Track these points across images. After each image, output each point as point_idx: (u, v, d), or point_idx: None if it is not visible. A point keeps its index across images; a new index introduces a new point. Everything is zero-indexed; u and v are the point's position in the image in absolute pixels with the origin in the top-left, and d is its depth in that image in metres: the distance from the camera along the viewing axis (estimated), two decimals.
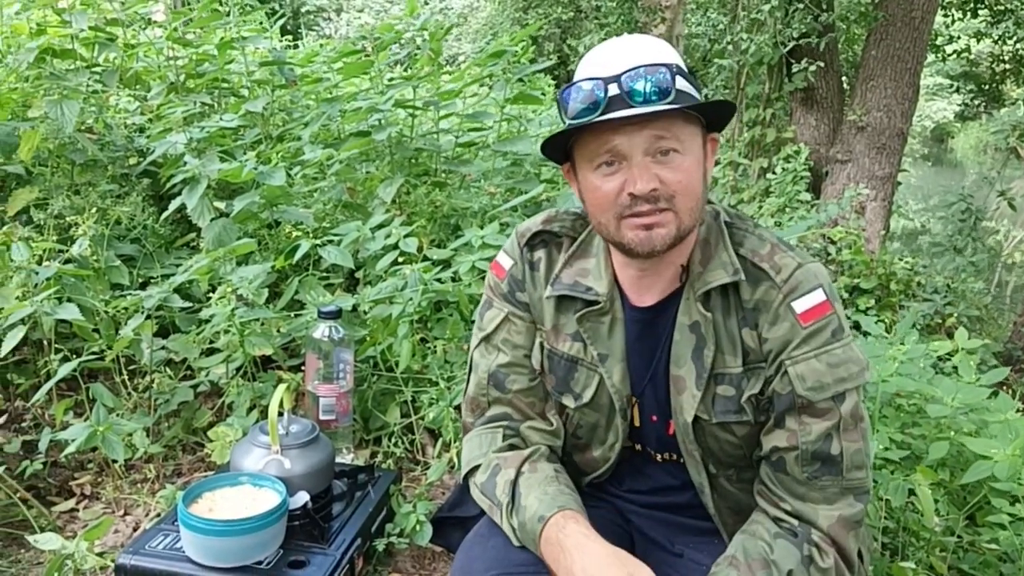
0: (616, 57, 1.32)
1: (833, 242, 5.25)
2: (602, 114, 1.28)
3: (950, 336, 2.66)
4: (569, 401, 1.54)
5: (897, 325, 2.77)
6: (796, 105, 6.89)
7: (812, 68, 6.23)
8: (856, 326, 3.16)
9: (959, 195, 6.30)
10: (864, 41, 6.82)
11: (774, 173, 6.28)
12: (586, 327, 1.49)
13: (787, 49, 6.34)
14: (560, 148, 1.42)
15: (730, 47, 6.92)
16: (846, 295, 4.63)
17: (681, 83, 1.30)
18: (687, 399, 1.43)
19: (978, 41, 9.60)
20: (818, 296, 1.36)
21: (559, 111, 1.38)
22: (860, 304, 4.53)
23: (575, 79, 1.35)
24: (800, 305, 1.36)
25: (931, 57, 8.71)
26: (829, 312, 1.36)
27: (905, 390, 2.35)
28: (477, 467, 1.53)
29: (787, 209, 5.84)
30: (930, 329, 4.66)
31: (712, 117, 1.38)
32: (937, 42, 8.81)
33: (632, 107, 1.27)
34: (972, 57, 10.11)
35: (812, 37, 6.20)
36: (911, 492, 2.08)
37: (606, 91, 1.29)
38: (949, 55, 9.59)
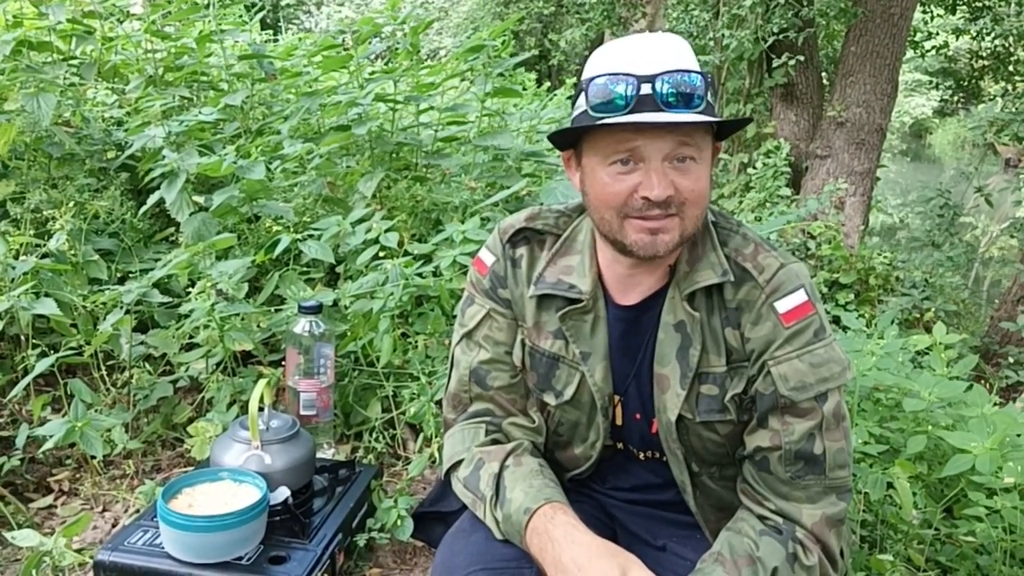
0: (649, 55, 1.29)
1: (813, 237, 5.28)
2: (630, 112, 1.27)
3: (928, 330, 2.68)
4: (550, 399, 1.54)
5: (876, 319, 2.79)
6: (776, 100, 6.92)
7: (792, 64, 6.26)
8: (835, 321, 3.19)
9: (937, 191, 6.35)
10: (844, 37, 6.85)
11: (754, 168, 6.30)
12: (568, 325, 1.49)
13: (767, 45, 6.36)
14: (568, 136, 1.40)
15: (711, 43, 6.94)
16: (825, 290, 4.66)
17: (710, 93, 1.29)
18: (671, 398, 1.44)
19: (956, 38, 9.65)
20: (800, 296, 1.37)
21: (575, 99, 1.37)
22: (839, 299, 4.56)
23: (597, 71, 1.32)
24: (782, 305, 1.36)
25: (910, 53, 8.76)
26: (811, 312, 1.37)
27: (883, 384, 2.36)
28: (459, 462, 1.53)
29: (767, 204, 5.87)
30: (908, 323, 4.70)
31: (725, 127, 1.38)
32: (916, 38, 8.86)
33: (661, 111, 1.26)
34: (950, 53, 10.16)
35: (792, 33, 6.23)
36: (889, 485, 2.10)
37: (637, 90, 1.26)
38: (928, 51, 9.64)
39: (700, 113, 1.27)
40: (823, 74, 7.32)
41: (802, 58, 6.36)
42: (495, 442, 1.53)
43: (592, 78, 1.31)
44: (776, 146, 6.32)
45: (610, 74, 1.29)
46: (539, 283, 1.51)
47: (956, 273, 5.62)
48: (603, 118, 1.28)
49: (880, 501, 2.14)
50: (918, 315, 4.75)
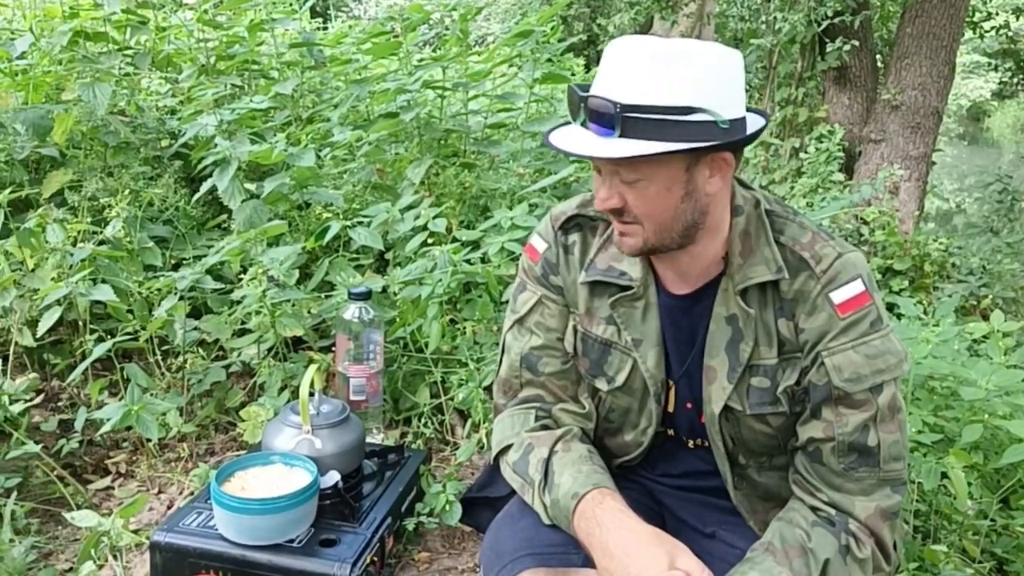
0: (605, 69, 1.29)
1: (866, 223, 5.20)
2: (581, 124, 1.31)
3: (985, 318, 2.62)
4: (602, 384, 1.53)
5: (933, 307, 2.74)
6: (829, 84, 6.79)
7: (847, 47, 6.13)
8: (890, 308, 3.14)
9: (996, 175, 6.21)
10: (899, 18, 6.71)
11: (806, 153, 6.21)
12: (619, 312, 1.48)
13: (821, 28, 6.24)
14: None
15: (763, 26, 6.83)
16: (879, 276, 4.59)
17: (643, 116, 1.22)
18: (716, 390, 1.43)
19: (1017, 18, 9.40)
20: (857, 287, 1.34)
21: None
22: (894, 286, 4.49)
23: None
24: (838, 296, 1.34)
25: (968, 34, 8.54)
26: (868, 303, 1.34)
27: (939, 372, 2.32)
28: (509, 447, 1.53)
29: (819, 190, 5.77)
30: (964, 311, 4.61)
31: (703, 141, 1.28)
32: (974, 18, 8.63)
33: (588, 129, 1.29)
34: (1011, 34, 9.88)
35: (846, 15, 6.10)
36: (944, 475, 2.07)
37: (580, 105, 1.30)
38: (987, 32, 9.39)
39: (623, 138, 1.23)
40: (877, 56, 7.17)
41: (856, 42, 6.23)
42: (545, 428, 1.53)
43: (570, 85, 1.36)
44: (829, 130, 6.20)
45: (572, 86, 1.33)
46: (590, 270, 1.51)
47: (1015, 260, 5.50)
48: (557, 149, 1.33)
49: (934, 491, 2.10)
50: (975, 303, 4.65)
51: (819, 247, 1.37)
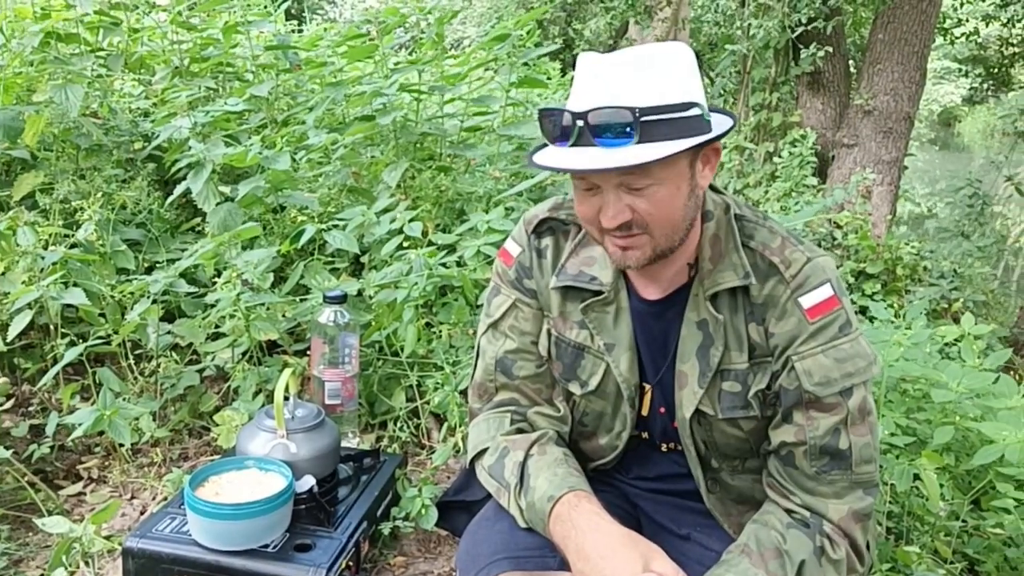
0: (591, 84, 1.26)
1: (839, 227, 5.23)
2: (572, 145, 1.26)
3: (956, 321, 2.65)
4: (576, 388, 1.54)
5: (904, 310, 2.77)
6: (802, 89, 6.85)
7: (820, 53, 6.19)
8: (862, 311, 3.16)
9: (966, 180, 6.28)
10: (871, 24, 6.77)
11: (780, 157, 6.25)
12: (591, 317, 1.49)
13: (795, 34, 6.29)
14: None
15: (738, 32, 6.87)
16: (852, 280, 4.62)
17: (657, 118, 1.22)
18: (688, 395, 1.43)
19: (987, 24, 9.52)
20: (826, 291, 1.35)
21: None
22: (866, 289, 4.52)
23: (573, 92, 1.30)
24: (807, 300, 1.35)
25: (939, 40, 8.63)
26: (837, 307, 1.36)
27: (910, 375, 2.35)
28: (484, 450, 1.53)
29: (793, 194, 5.81)
30: (936, 314, 4.65)
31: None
32: (945, 25, 8.73)
33: (594, 145, 1.24)
34: (980, 40, 10.00)
35: (819, 21, 6.16)
36: (916, 477, 2.09)
37: (574, 123, 1.25)
38: (957, 38, 9.49)
39: (640, 143, 1.22)
40: (850, 62, 7.23)
41: (829, 48, 6.28)
42: (520, 431, 1.54)
43: (543, 109, 1.31)
44: (802, 135, 6.25)
45: (548, 109, 1.30)
46: (561, 275, 1.51)
47: (985, 263, 5.56)
48: (547, 168, 1.30)
49: (907, 493, 2.12)
50: (946, 306, 4.70)
51: (788, 252, 1.38)
